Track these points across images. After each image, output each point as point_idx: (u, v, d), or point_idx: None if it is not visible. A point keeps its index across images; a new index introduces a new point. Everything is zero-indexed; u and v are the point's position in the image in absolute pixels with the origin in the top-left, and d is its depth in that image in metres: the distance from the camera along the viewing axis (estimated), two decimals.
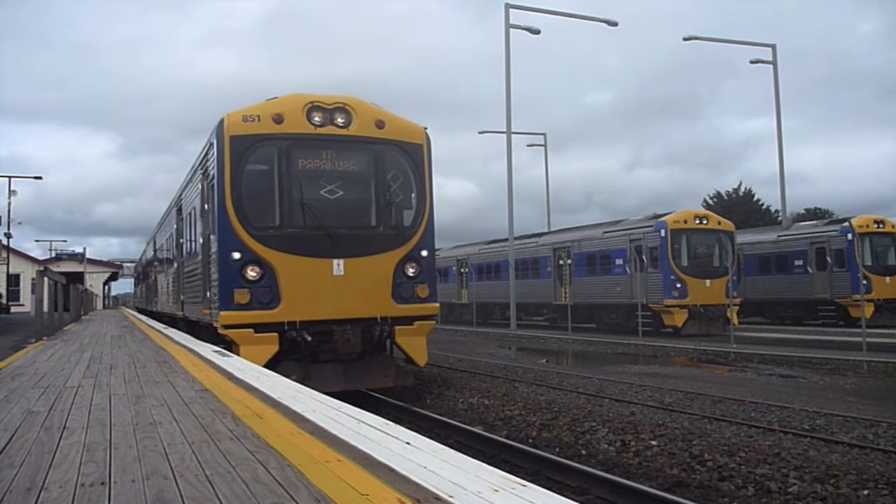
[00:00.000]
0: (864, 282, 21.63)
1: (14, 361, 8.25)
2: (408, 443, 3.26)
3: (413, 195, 10.95)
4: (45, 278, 13.02)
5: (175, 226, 16.68)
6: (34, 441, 3.58)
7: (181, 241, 15.51)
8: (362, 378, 10.51)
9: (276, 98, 10.56)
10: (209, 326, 11.02)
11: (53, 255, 61.05)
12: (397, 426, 3.69)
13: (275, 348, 9.66)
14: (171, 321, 18.09)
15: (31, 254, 56.87)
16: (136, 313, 31.26)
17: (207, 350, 8.86)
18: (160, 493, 2.61)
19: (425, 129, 11.31)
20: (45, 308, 13.40)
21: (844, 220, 25.64)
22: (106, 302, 67.20)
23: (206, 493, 2.59)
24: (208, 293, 10.88)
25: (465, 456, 3.02)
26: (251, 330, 9.61)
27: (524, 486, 2.53)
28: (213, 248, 10.31)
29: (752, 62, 30.83)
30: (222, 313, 9.66)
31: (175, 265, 16.43)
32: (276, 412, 4.20)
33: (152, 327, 16.34)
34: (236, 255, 9.72)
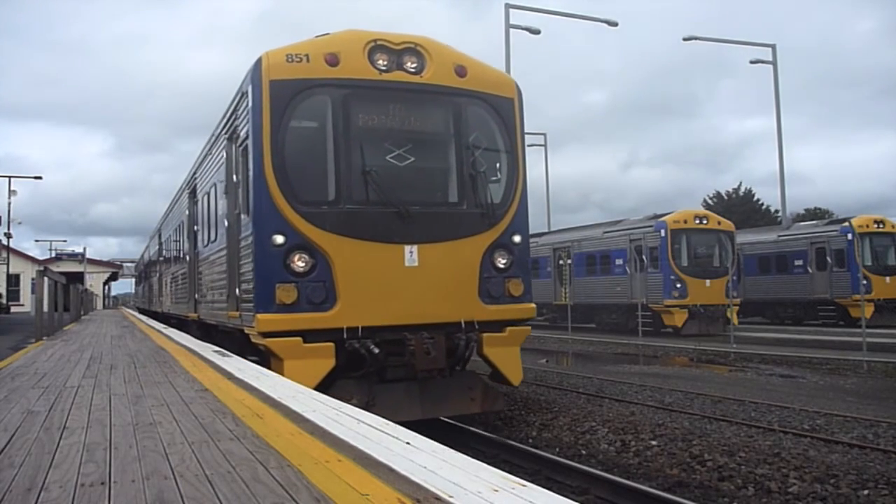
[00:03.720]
0: (864, 282, 21.63)
1: (14, 361, 8.25)
2: (408, 443, 3.26)
3: (503, 163, 8.75)
4: (45, 278, 13.01)
5: (187, 212, 14.43)
6: (34, 441, 3.58)
7: (195, 228, 13.18)
8: (442, 403, 8.08)
9: (326, 35, 8.23)
10: (234, 333, 9.09)
11: (53, 255, 61.05)
12: (397, 426, 3.68)
13: (330, 363, 7.46)
14: (179, 324, 16.30)
15: (31, 254, 56.91)
16: (136, 314, 31.23)
17: (207, 350, 8.84)
18: (160, 493, 2.61)
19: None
20: (45, 308, 13.39)
21: (844, 220, 25.65)
22: (106, 302, 67.18)
23: (206, 493, 2.59)
24: (237, 290, 8.73)
25: (465, 456, 3.02)
26: (299, 339, 7.41)
27: (524, 486, 2.53)
28: (247, 232, 8.17)
29: (751, 62, 30.85)
30: (260, 317, 7.46)
31: (187, 258, 14.24)
32: (276, 412, 4.20)
33: (152, 327, 16.32)
34: (279, 240, 7.52)
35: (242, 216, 8.50)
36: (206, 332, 12.15)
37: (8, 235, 44.19)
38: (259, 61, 7.78)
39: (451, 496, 2.41)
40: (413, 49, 8.28)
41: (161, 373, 6.56)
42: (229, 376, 6.04)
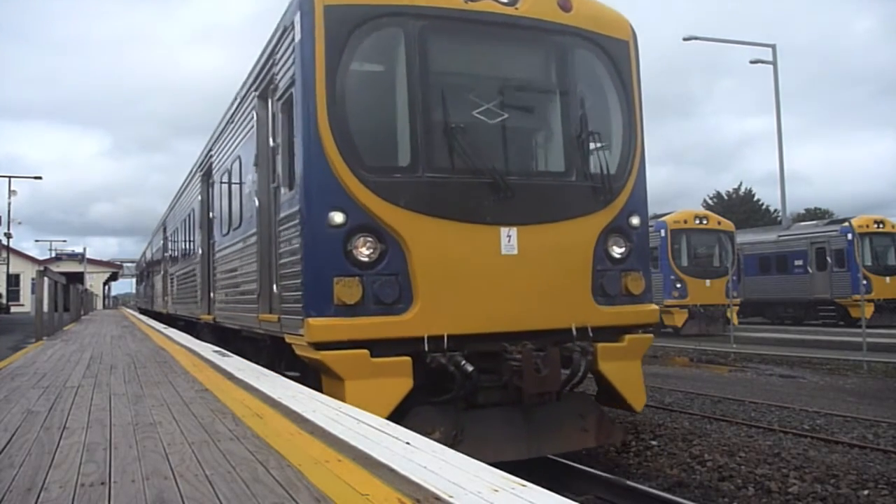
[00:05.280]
0: (864, 282, 21.66)
1: (14, 361, 8.25)
2: (408, 443, 3.26)
3: (617, 123, 6.99)
4: (45, 278, 13.01)
5: (199, 198, 12.66)
6: (34, 441, 3.58)
7: (211, 216, 11.46)
8: (551, 436, 6.24)
9: None
10: (264, 340, 7.78)
11: (53, 255, 61.08)
12: (397, 426, 3.69)
13: (407, 385, 5.74)
14: (187, 327, 15.00)
15: (31, 254, 56.96)
16: (137, 314, 31.23)
17: (207, 350, 8.84)
18: (160, 493, 2.61)
19: None
20: (45, 308, 13.39)
21: (844, 220, 25.67)
22: (106, 302, 67.21)
23: (206, 493, 2.59)
24: (274, 287, 7.04)
25: (465, 456, 3.02)
26: (365, 352, 5.69)
27: (524, 486, 2.52)
28: (290, 209, 6.44)
29: (751, 62, 30.81)
30: (313, 322, 5.73)
31: (199, 252, 12.59)
32: (276, 412, 4.20)
33: (152, 327, 16.32)
34: (338, 218, 5.78)
35: (283, 191, 6.78)
36: (222, 337, 10.61)
37: (8, 235, 44.25)
38: None
39: (451, 496, 2.41)
40: None
41: (161, 373, 6.56)
42: (229, 376, 6.04)
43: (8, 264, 45.69)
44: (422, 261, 5.94)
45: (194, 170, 13.72)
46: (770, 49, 30.67)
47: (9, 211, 44.29)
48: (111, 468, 2.99)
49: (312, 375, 6.20)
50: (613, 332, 6.61)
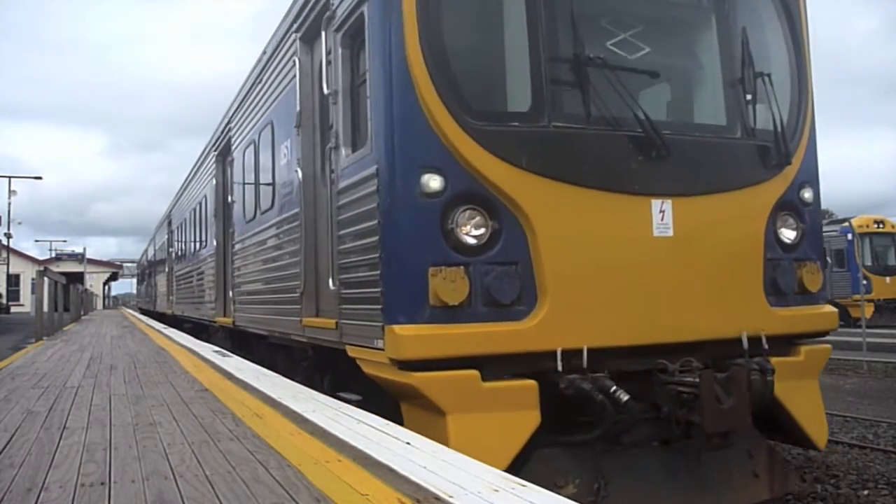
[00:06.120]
0: (864, 282, 21.64)
1: (14, 361, 8.25)
2: (408, 443, 3.26)
3: (784, 65, 5.36)
4: (45, 278, 13.02)
5: (214, 181, 11.27)
6: (34, 441, 3.58)
7: (230, 200, 9.85)
8: (717, 485, 4.62)
9: None
10: (304, 351, 6.38)
11: (53, 255, 61.08)
12: (397, 426, 3.69)
13: (533, 419, 4.22)
14: (196, 330, 13.72)
15: (31, 254, 57.00)
16: (138, 314, 31.23)
17: (207, 350, 8.83)
18: (160, 493, 2.61)
19: None
20: (45, 308, 13.39)
21: (844, 220, 25.67)
22: (106, 302, 67.22)
23: (206, 493, 2.59)
24: (330, 281, 5.42)
25: (465, 456, 3.02)
26: (475, 373, 4.17)
27: (524, 486, 2.53)
28: (360, 174, 4.82)
29: None
30: (400, 330, 4.22)
31: (214, 244, 11.20)
32: (276, 412, 4.20)
33: (152, 327, 16.31)
34: (435, 183, 4.28)
35: (344, 153, 5.21)
36: (241, 343, 9.32)
37: (8, 235, 44.29)
38: None
39: (451, 496, 2.41)
40: None
41: (161, 373, 6.56)
42: (229, 376, 6.03)
43: (8, 264, 45.72)
44: (550, 244, 4.35)
45: (207, 150, 12.15)
46: None
47: (9, 211, 44.36)
48: (111, 468, 2.99)
49: (383, 401, 4.62)
50: (784, 343, 5.06)
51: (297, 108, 6.28)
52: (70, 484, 2.76)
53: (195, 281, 13.63)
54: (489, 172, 4.33)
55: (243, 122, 9.04)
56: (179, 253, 16.69)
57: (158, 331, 14.42)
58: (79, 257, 59.12)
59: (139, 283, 43.42)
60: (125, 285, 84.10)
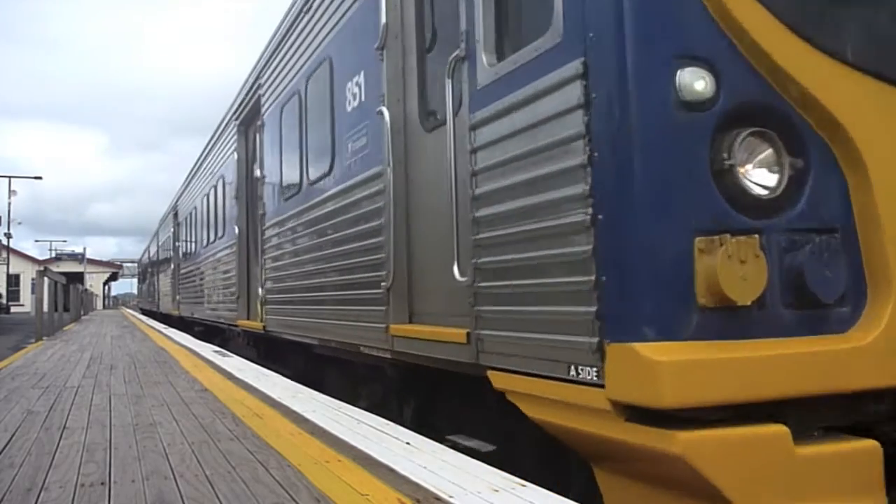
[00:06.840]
0: None
1: (14, 361, 8.25)
2: (408, 443, 3.26)
3: None
4: (45, 278, 13.02)
5: (235, 155, 9.71)
6: (34, 441, 3.58)
7: (259, 174, 8.08)
8: None
9: None
10: (381, 369, 4.93)
11: (53, 255, 61.14)
12: (397, 426, 3.69)
13: None
14: (206, 333, 12.70)
15: (31, 254, 57.06)
16: (139, 315, 31.24)
17: (207, 350, 8.84)
18: (160, 493, 2.61)
19: None
20: (45, 308, 13.39)
21: None
22: (106, 302, 67.26)
23: (206, 493, 2.59)
24: (456, 269, 3.61)
25: (465, 456, 3.03)
26: (782, 429, 2.34)
27: (524, 486, 2.52)
28: (536, 83, 2.92)
29: None
30: (652, 351, 2.33)
31: (235, 231, 9.55)
32: (276, 412, 4.20)
33: (152, 327, 16.31)
34: (700, 85, 2.46)
35: (483, 61, 3.39)
36: (272, 353, 8.32)
37: (8, 235, 44.36)
38: None
39: (451, 496, 2.41)
40: None
41: (161, 373, 6.56)
42: (229, 376, 6.04)
43: (8, 264, 45.79)
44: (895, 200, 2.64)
45: (226, 120, 10.40)
46: None
47: (9, 211, 44.45)
48: (111, 468, 2.99)
49: (540, 455, 3.30)
50: None
51: (383, 19, 4.56)
52: (70, 484, 2.76)
53: (208, 277, 11.81)
54: (796, 69, 2.57)
55: (281, 70, 7.24)
56: (188, 246, 14.74)
57: (158, 331, 14.42)
58: (79, 257, 59.19)
59: (140, 281, 42.31)
60: (125, 285, 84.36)
